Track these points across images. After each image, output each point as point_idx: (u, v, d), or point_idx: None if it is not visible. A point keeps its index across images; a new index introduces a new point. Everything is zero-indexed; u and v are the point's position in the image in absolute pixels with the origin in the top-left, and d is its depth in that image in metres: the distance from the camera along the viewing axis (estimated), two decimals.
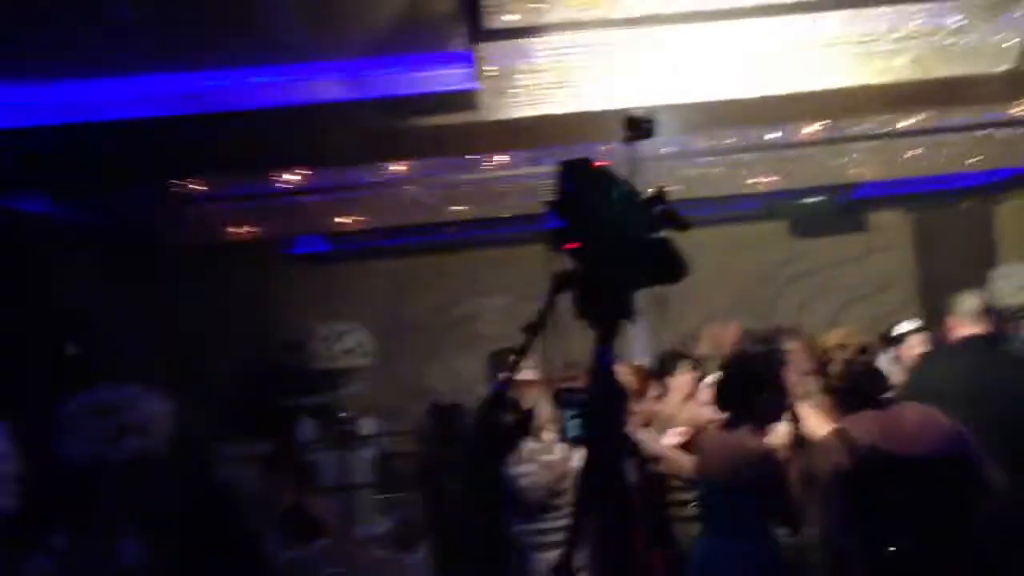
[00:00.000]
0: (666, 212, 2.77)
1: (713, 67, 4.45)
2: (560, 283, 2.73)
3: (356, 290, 8.50)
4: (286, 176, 5.80)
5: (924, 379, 4.58)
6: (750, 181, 5.88)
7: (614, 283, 2.71)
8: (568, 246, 2.68)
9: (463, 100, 4.61)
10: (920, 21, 3.93)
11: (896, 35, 4.00)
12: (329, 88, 4.64)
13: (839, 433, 3.61)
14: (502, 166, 5.72)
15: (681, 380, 5.44)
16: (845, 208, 7.98)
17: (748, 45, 4.24)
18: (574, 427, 3.45)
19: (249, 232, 6.67)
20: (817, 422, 4.05)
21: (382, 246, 8.32)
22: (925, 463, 3.43)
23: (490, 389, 5.73)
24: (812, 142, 5.73)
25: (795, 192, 7.05)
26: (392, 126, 4.85)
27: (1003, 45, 3.96)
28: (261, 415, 6.89)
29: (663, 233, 2.76)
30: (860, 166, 5.96)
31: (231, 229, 6.63)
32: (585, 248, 2.67)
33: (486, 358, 5.96)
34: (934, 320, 5.96)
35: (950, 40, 3.96)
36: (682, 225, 2.82)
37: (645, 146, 2.83)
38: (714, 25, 4.09)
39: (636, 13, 3.92)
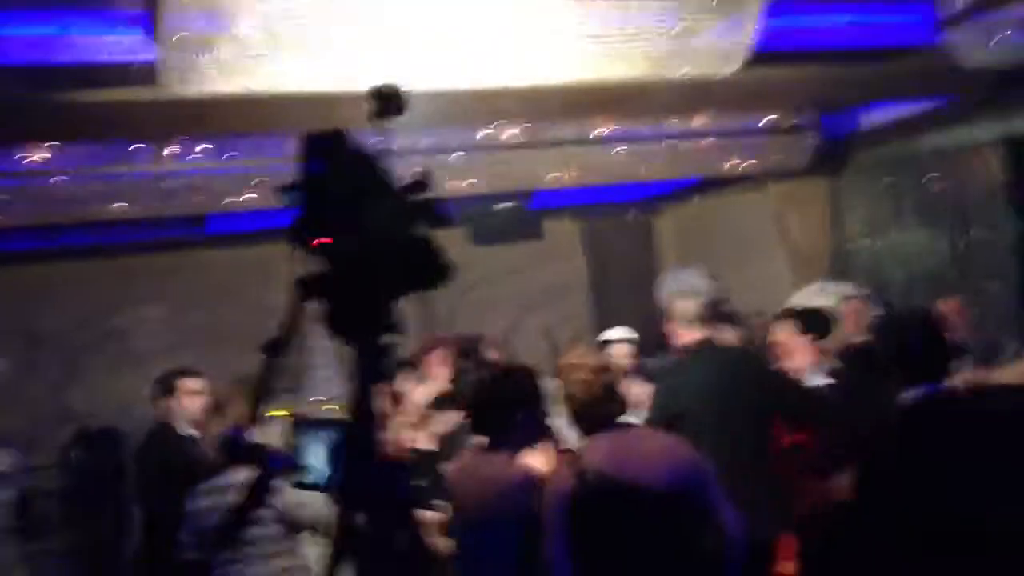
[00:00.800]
0: (425, 204, 2.34)
1: (424, 53, 4.06)
2: (305, 290, 2.21)
3: None
4: None
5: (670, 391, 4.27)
6: (449, 183, 5.55)
7: (371, 287, 2.24)
8: (314, 242, 2.17)
9: (136, 73, 3.88)
10: (644, 20, 3.79)
11: (620, 33, 3.84)
12: None
13: (568, 458, 3.32)
14: (175, 156, 4.96)
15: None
16: (523, 216, 7.92)
17: (461, 31, 3.90)
18: (321, 463, 2.89)
19: None
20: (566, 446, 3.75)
21: (12, 248, 7.07)
22: (657, 494, 3.18)
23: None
24: (511, 144, 5.54)
25: (482, 198, 6.82)
26: (42, 100, 3.99)
27: (727, 49, 3.94)
28: None
29: (421, 228, 2.34)
30: (556, 171, 5.85)
31: None
32: (335, 244, 2.17)
33: (152, 380, 5.20)
34: (604, 327, 5.96)
35: (674, 42, 3.85)
36: (441, 220, 2.41)
37: (394, 125, 2.36)
38: (433, 4, 3.70)
39: None
